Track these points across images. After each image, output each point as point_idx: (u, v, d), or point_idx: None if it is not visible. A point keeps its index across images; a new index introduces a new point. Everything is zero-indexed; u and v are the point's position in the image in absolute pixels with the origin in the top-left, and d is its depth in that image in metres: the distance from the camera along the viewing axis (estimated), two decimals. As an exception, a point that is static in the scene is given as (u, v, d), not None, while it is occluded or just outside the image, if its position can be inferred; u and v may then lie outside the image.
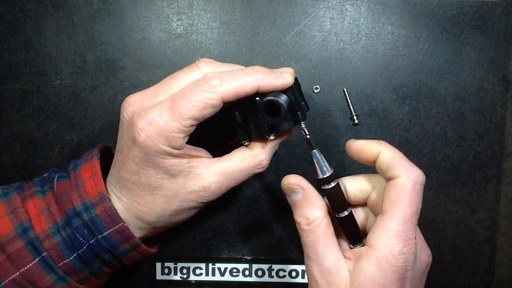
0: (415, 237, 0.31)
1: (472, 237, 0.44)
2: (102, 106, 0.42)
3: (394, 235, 0.31)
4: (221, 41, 0.42)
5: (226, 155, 0.35)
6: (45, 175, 0.36)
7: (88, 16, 0.41)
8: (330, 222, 0.33)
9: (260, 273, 0.44)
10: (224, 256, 0.44)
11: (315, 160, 0.33)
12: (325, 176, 0.33)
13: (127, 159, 0.32)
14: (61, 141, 0.43)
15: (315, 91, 0.41)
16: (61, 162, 0.43)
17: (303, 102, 0.35)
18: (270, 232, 0.44)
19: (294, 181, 0.34)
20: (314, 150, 0.33)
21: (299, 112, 0.33)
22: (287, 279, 0.44)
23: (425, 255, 0.33)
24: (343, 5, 0.41)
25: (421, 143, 0.43)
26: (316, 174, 0.33)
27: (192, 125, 0.31)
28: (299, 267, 0.44)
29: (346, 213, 0.34)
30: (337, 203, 0.34)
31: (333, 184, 0.33)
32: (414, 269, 0.32)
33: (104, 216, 0.33)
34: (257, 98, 0.32)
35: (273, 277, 0.44)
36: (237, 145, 0.36)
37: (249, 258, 0.44)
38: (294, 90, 0.34)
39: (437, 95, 0.42)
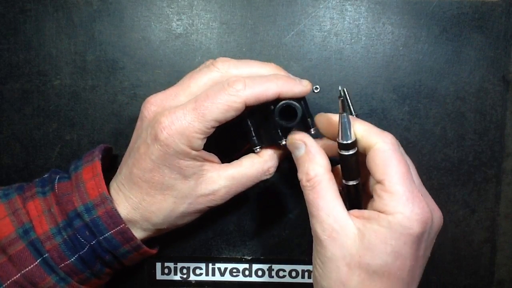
0: (421, 194, 0.30)
1: (472, 237, 0.44)
2: (102, 106, 0.42)
3: (401, 197, 0.29)
4: (221, 41, 0.42)
5: (236, 161, 0.35)
6: (46, 175, 0.36)
7: (88, 16, 0.41)
8: (333, 179, 0.32)
9: (260, 273, 0.44)
10: (224, 256, 0.44)
11: (341, 123, 0.32)
12: (346, 142, 0.32)
13: (144, 156, 0.32)
14: (61, 141, 0.43)
15: (315, 91, 0.41)
16: (61, 162, 0.43)
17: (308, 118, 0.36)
18: (270, 232, 0.44)
19: (298, 137, 0.33)
20: (344, 114, 0.31)
21: (309, 119, 0.34)
22: (287, 279, 0.44)
23: (438, 216, 0.32)
24: (343, 5, 0.41)
25: (421, 143, 0.43)
26: (338, 137, 0.32)
27: (213, 127, 0.32)
28: (299, 267, 0.44)
29: (354, 182, 0.33)
30: (350, 171, 0.33)
31: (351, 152, 0.32)
32: (430, 233, 0.31)
33: (105, 218, 0.33)
34: (271, 106, 0.33)
35: (273, 277, 0.44)
36: (245, 154, 0.36)
37: (249, 258, 0.44)
38: (305, 102, 0.35)
39: (437, 95, 0.42)
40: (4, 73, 0.42)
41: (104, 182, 0.33)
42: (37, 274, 0.32)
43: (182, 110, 0.31)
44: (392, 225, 0.29)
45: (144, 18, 0.42)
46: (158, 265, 0.44)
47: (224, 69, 0.33)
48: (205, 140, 0.33)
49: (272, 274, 0.44)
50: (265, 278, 0.44)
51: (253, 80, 0.32)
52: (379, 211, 0.30)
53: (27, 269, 0.32)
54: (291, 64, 0.42)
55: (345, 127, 0.31)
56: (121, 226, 0.33)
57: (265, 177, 0.35)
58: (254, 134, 0.35)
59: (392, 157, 0.31)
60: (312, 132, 0.34)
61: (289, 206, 0.43)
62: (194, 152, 0.32)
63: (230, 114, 0.32)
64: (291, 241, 0.44)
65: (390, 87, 0.42)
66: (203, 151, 0.33)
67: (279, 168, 0.43)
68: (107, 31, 0.42)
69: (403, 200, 0.29)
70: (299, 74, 0.42)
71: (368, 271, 0.30)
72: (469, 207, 0.43)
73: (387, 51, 0.42)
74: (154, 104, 0.34)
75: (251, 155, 0.36)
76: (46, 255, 0.32)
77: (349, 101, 0.41)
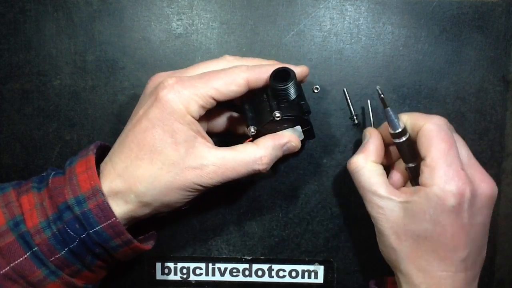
0: (461, 168, 0.33)
1: (472, 237, 0.44)
2: (102, 106, 0.42)
3: (438, 170, 0.33)
4: (221, 41, 0.42)
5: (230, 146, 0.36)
6: (44, 173, 0.36)
7: (88, 16, 0.41)
8: (379, 168, 0.37)
9: (260, 273, 0.44)
10: (224, 256, 0.44)
11: (387, 117, 0.36)
12: (396, 132, 0.36)
13: (141, 118, 0.34)
14: (61, 141, 0.43)
15: (315, 91, 0.41)
16: (61, 162, 0.43)
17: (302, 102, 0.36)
18: (270, 232, 0.44)
19: (369, 130, 0.39)
20: (388, 108, 0.36)
21: (303, 102, 0.35)
22: (287, 279, 0.44)
23: (486, 187, 0.34)
24: (343, 5, 0.41)
25: (421, 143, 0.43)
26: (389, 129, 0.36)
27: (214, 98, 0.34)
28: (299, 267, 0.44)
29: (412, 164, 0.36)
30: (405, 155, 0.37)
31: (404, 139, 0.36)
32: (471, 202, 0.33)
33: (97, 211, 0.32)
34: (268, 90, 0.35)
35: (273, 277, 0.44)
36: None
37: (249, 258, 0.44)
38: (300, 88, 0.36)
39: (437, 95, 0.42)
40: (4, 73, 0.42)
41: (97, 176, 0.33)
42: (27, 267, 0.32)
43: (189, 77, 0.34)
44: (429, 196, 0.33)
45: (144, 18, 0.42)
46: (158, 265, 0.44)
47: (230, 59, 0.36)
48: (202, 111, 0.34)
49: (272, 274, 0.44)
50: (265, 278, 0.44)
51: (256, 66, 0.35)
52: (421, 185, 0.34)
53: (16, 262, 0.32)
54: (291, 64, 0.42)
55: (391, 119, 0.36)
56: (112, 219, 0.33)
57: (257, 166, 0.35)
58: (250, 117, 0.36)
59: (435, 135, 0.34)
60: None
61: (289, 206, 0.43)
62: (189, 117, 0.33)
63: (232, 88, 0.34)
64: (291, 241, 0.44)
65: (390, 87, 0.42)
66: (200, 125, 0.34)
67: (278, 168, 0.43)
68: (107, 31, 0.42)
69: (440, 174, 0.33)
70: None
71: (413, 236, 0.34)
72: (469, 207, 0.43)
73: (387, 51, 0.42)
74: (161, 77, 0.35)
75: (247, 142, 0.36)
76: (36, 248, 0.32)
77: (349, 101, 0.42)
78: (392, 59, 0.42)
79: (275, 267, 0.44)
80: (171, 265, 0.44)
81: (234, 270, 0.44)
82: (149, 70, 0.42)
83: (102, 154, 0.37)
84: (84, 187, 0.33)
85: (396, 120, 0.36)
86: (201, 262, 0.44)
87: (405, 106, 0.42)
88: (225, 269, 0.44)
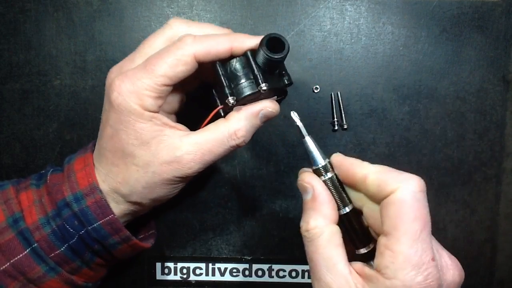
0: (432, 258, 0.26)
1: (472, 237, 0.44)
2: (102, 106, 0.42)
3: (405, 261, 0.26)
4: (221, 41, 0.42)
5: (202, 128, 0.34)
6: (43, 171, 0.36)
7: (88, 16, 0.41)
8: (338, 233, 0.29)
9: (260, 273, 0.44)
10: (224, 256, 0.44)
11: (306, 149, 0.30)
12: (319, 166, 0.30)
13: (105, 124, 0.32)
14: (61, 141, 0.43)
15: (315, 91, 0.41)
16: (61, 162, 0.42)
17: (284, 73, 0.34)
18: (270, 232, 0.44)
19: (307, 179, 0.30)
20: (306, 138, 0.30)
21: (284, 72, 0.33)
22: (287, 279, 0.44)
23: (453, 275, 0.28)
24: (343, 5, 0.41)
25: (421, 143, 0.43)
26: (310, 164, 0.30)
27: (165, 85, 0.31)
28: (299, 267, 0.44)
29: (347, 209, 0.30)
30: (335, 197, 0.30)
31: (329, 175, 0.30)
32: None
33: (95, 208, 0.32)
34: (248, 53, 0.32)
35: (273, 277, 0.44)
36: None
37: (249, 258, 0.44)
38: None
39: (437, 95, 0.42)
40: (4, 73, 0.42)
41: (94, 172, 0.33)
42: (26, 264, 0.32)
43: (133, 70, 0.31)
44: None
45: (144, 18, 0.41)
46: (158, 265, 0.44)
47: (177, 26, 0.33)
48: (159, 101, 0.32)
49: (272, 274, 0.44)
50: (265, 278, 0.44)
51: (204, 36, 0.32)
52: (379, 271, 0.27)
53: (16, 258, 0.32)
54: (291, 64, 0.42)
55: (312, 151, 0.30)
56: (110, 216, 0.33)
57: (233, 142, 0.32)
58: (226, 82, 0.32)
59: (410, 211, 0.27)
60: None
61: (289, 206, 0.43)
62: (147, 113, 0.31)
63: (180, 69, 0.31)
64: (291, 241, 0.44)
65: (390, 87, 0.42)
66: (162, 115, 0.32)
67: (278, 168, 0.43)
68: (107, 31, 0.42)
69: (407, 265, 0.26)
70: (299, 74, 0.42)
71: None
72: (469, 207, 0.43)
73: (387, 51, 0.42)
74: (113, 72, 0.33)
75: (218, 120, 0.34)
76: (35, 245, 0.32)
77: (341, 105, 0.41)
78: (392, 59, 0.42)
79: (275, 267, 0.44)
80: (171, 265, 0.44)
81: (234, 270, 0.44)
82: (149, 70, 0.42)
83: None
84: (82, 184, 0.33)
85: (318, 152, 0.29)
86: (201, 262, 0.44)
87: (405, 106, 0.42)
88: (225, 269, 0.44)
